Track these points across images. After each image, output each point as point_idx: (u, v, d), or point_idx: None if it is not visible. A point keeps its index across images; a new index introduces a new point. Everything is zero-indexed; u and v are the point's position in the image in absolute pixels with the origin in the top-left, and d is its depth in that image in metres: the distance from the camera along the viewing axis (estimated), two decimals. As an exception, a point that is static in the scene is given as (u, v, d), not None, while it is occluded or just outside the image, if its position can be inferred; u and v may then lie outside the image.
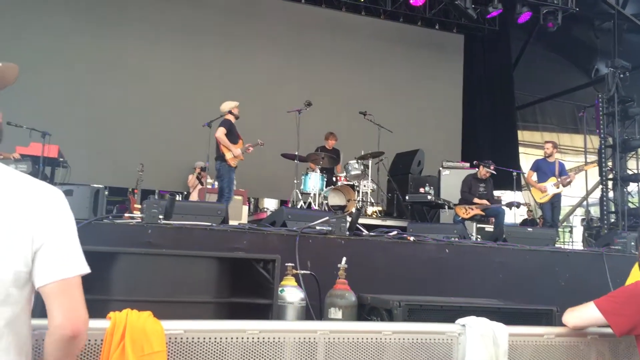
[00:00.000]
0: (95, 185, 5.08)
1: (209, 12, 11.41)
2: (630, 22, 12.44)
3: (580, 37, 14.89)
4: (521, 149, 15.05)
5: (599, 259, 5.03)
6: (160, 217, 4.20)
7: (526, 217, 14.84)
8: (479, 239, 7.58)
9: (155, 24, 11.02)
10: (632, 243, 5.16)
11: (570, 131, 17.64)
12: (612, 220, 11.54)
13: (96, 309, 2.73)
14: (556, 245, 6.21)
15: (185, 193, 10.43)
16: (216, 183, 8.74)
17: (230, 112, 7.49)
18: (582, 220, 15.25)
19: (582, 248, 6.01)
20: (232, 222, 6.25)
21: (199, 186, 9.98)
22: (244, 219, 8.06)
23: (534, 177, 8.33)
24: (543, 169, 8.20)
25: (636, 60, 12.20)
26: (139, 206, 8.37)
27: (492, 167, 8.00)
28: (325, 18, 12.24)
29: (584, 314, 2.16)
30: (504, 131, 13.47)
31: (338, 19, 12.35)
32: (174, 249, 3.80)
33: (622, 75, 11.50)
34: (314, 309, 3.60)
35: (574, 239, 15.58)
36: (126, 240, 3.95)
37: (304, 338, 1.82)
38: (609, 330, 2.17)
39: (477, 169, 8.25)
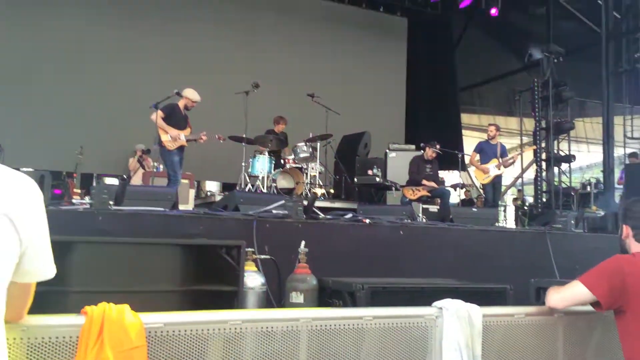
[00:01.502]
0: (38, 170, 4.82)
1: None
2: (562, 8, 12.94)
3: (516, 23, 15.38)
4: (461, 131, 15.48)
5: (542, 237, 5.25)
6: (111, 202, 4.04)
7: (464, 197, 15.35)
8: (424, 220, 7.77)
9: (94, 2, 10.49)
10: (572, 222, 5.41)
11: (505, 114, 18.28)
12: (545, 199, 12.12)
13: (52, 300, 2.60)
14: (498, 225, 6.45)
15: (126, 177, 10.08)
16: (161, 167, 8.52)
17: (184, 98, 7.28)
18: (514, 199, 15.91)
19: (526, 228, 6.27)
20: (180, 207, 6.12)
21: (141, 170, 9.67)
22: (191, 204, 7.88)
23: (477, 158, 8.59)
24: (486, 150, 8.47)
25: (568, 45, 12.73)
26: (79, 191, 8.04)
27: (437, 147, 8.20)
28: (270, -1, 12.06)
29: (572, 293, 2.19)
30: (447, 114, 13.81)
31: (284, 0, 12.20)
32: (126, 236, 3.68)
33: (556, 60, 11.97)
34: (273, 294, 3.58)
35: (507, 218, 16.25)
36: (75, 228, 3.76)
37: (287, 327, 1.79)
38: (574, 308, 2.26)
39: (423, 151, 8.43)
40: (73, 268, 2.70)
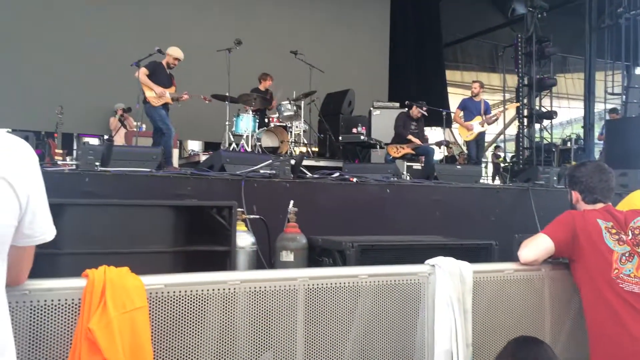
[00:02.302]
0: (17, 130, 4.72)
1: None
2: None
3: (499, -24, 15.20)
4: (444, 88, 15.45)
5: (525, 194, 5.35)
6: (97, 163, 4.00)
7: (447, 154, 15.48)
8: (409, 178, 7.84)
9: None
10: (554, 178, 5.51)
11: (488, 70, 18.26)
12: (527, 155, 12.28)
13: (46, 262, 2.60)
14: (485, 182, 6.54)
15: (107, 137, 9.95)
16: (144, 126, 8.41)
17: (167, 56, 7.17)
18: (493, 155, 16.08)
19: (510, 184, 6.36)
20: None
21: (122, 129, 9.54)
22: (175, 163, 7.82)
23: (460, 115, 8.62)
24: (469, 108, 8.50)
25: (552, 0, 12.64)
26: (61, 151, 7.93)
27: (424, 109, 8.21)
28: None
29: (536, 244, 2.34)
30: (432, 70, 13.73)
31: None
32: (115, 197, 3.67)
33: (540, 15, 11.92)
34: (264, 253, 3.62)
35: (488, 174, 16.49)
36: (62, 189, 3.74)
37: (285, 286, 1.83)
38: (559, 262, 2.37)
39: (408, 109, 8.42)
40: (64, 231, 2.67)
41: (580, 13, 12.10)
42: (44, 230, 1.39)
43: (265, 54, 10.40)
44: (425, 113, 8.22)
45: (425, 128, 8.71)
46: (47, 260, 2.56)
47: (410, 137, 8.10)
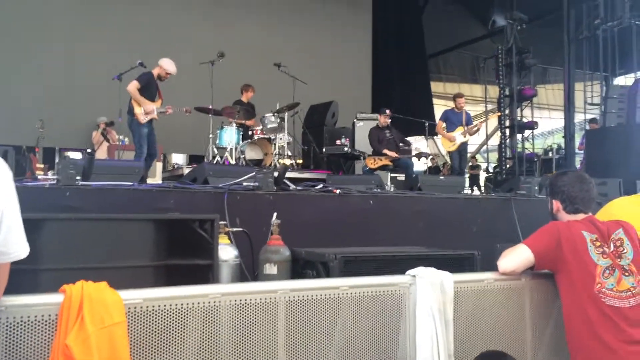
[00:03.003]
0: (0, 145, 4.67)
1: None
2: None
3: (480, -11, 15.42)
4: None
5: (507, 204, 5.39)
6: (78, 177, 3.96)
7: (430, 164, 15.56)
8: (393, 189, 7.87)
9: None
10: (536, 187, 5.56)
11: (469, 81, 18.46)
12: (509, 165, 12.40)
13: (25, 279, 2.57)
14: (466, 192, 6.58)
15: (90, 150, 9.86)
16: (126, 139, 8.35)
17: (159, 67, 7.08)
18: (470, 166, 16.18)
19: (492, 194, 6.41)
20: (149, 181, 6.04)
21: (105, 143, 9.47)
22: (159, 177, 7.78)
23: (443, 126, 8.70)
24: (451, 119, 8.58)
25: (532, 12, 12.85)
26: (42, 166, 7.84)
27: (388, 112, 8.29)
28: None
29: (516, 254, 2.34)
30: (416, 82, 13.84)
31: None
32: (96, 212, 3.63)
33: (519, 27, 12.11)
34: (247, 266, 3.60)
35: (479, 182, 16.55)
36: (42, 204, 3.69)
37: (266, 298, 1.82)
38: (539, 272, 2.38)
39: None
40: (44, 246, 2.66)
41: (559, 25, 12.30)
42: (18, 247, 1.38)
43: (248, 67, 10.43)
44: (389, 117, 8.29)
45: (408, 137, 8.77)
46: (27, 277, 2.54)
47: (385, 151, 8.14)
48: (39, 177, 5.22)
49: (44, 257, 2.65)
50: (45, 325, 1.56)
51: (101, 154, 9.10)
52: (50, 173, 6.75)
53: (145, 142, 6.92)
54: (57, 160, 10.06)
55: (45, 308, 1.57)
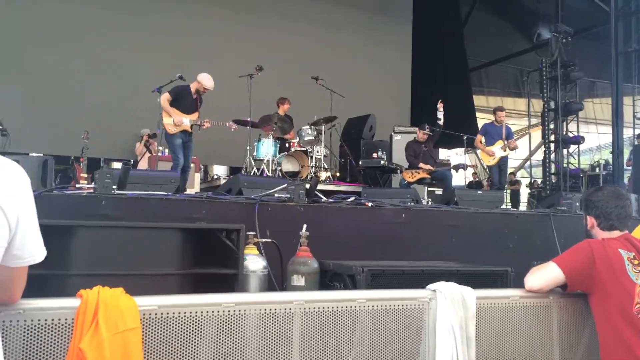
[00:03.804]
0: (41, 155, 4.84)
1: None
2: (571, -13, 12.76)
3: (523, 2, 15.17)
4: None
5: (546, 220, 5.23)
6: (114, 187, 4.07)
7: (472, 179, 15.31)
8: (430, 203, 7.76)
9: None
10: (577, 204, 5.38)
11: (513, 95, 18.15)
12: (554, 181, 12.06)
13: (56, 284, 2.65)
14: (504, 207, 6.43)
15: (133, 161, 10.14)
16: (166, 151, 8.54)
17: (196, 82, 7.24)
18: (511, 182, 15.80)
19: (528, 210, 6.25)
20: (187, 191, 6.15)
21: (147, 154, 9.71)
22: (197, 187, 7.92)
23: (482, 140, 8.55)
24: (491, 132, 8.43)
25: (577, 24, 12.56)
26: (86, 175, 8.10)
27: (427, 128, 8.18)
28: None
29: (545, 272, 2.25)
30: (458, 95, 13.67)
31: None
32: (130, 220, 3.71)
33: (564, 40, 11.84)
34: (276, 277, 3.61)
35: (519, 198, 16.18)
36: (79, 212, 3.80)
37: (280, 309, 1.81)
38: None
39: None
40: (74, 252, 2.73)
41: (606, 38, 11.97)
42: (33, 252, 1.41)
43: (286, 80, 10.54)
44: (429, 133, 8.18)
45: (447, 149, 8.65)
46: (58, 282, 2.61)
47: (421, 165, 8.04)
48: (80, 186, 5.38)
49: (75, 263, 2.72)
50: (62, 328, 1.60)
51: (143, 164, 9.33)
52: (93, 182, 6.95)
53: (180, 153, 7.07)
54: (100, 170, 10.40)
55: (62, 312, 1.60)
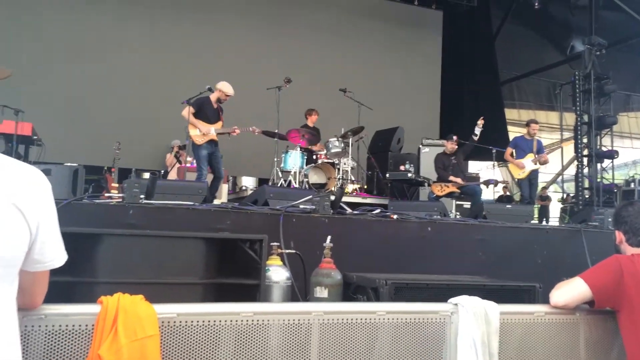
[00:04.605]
0: (72, 165, 4.95)
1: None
2: (606, -1, 12.53)
3: (556, 15, 14.96)
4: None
5: (577, 235, 5.11)
6: (142, 196, 4.13)
7: (502, 193, 15.05)
8: (458, 216, 7.66)
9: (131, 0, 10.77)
10: (609, 219, 5.24)
11: (545, 108, 17.85)
12: (587, 196, 11.78)
13: (82, 291, 2.69)
14: (533, 222, 6.30)
15: (163, 172, 10.30)
16: (194, 161, 8.66)
17: (217, 91, 7.39)
18: (541, 197, 15.47)
19: (560, 225, 6.11)
20: (215, 202, 6.21)
21: (177, 165, 9.85)
22: (224, 198, 7.99)
23: (512, 153, 8.44)
24: (521, 146, 8.31)
25: (611, 37, 12.32)
26: (117, 185, 8.25)
27: (455, 139, 8.10)
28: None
29: (571, 288, 2.20)
30: (489, 108, 13.51)
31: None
32: (156, 229, 3.76)
33: (598, 53, 11.61)
34: (299, 288, 3.60)
35: (548, 213, 15.87)
36: (107, 221, 3.88)
37: (299, 320, 1.80)
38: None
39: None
40: (100, 260, 2.78)
41: (642, 50, 11.73)
42: (54, 256, 1.43)
43: (314, 92, 10.59)
44: (456, 144, 8.10)
45: (477, 161, 8.55)
46: (85, 289, 2.66)
47: (452, 178, 7.95)
48: (110, 195, 5.50)
49: (101, 270, 2.76)
50: (82, 334, 1.62)
51: (173, 175, 9.48)
52: (122, 192, 7.10)
53: (205, 164, 7.21)
54: (131, 180, 10.59)
55: (83, 318, 1.62)
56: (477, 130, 7.97)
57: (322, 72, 11.48)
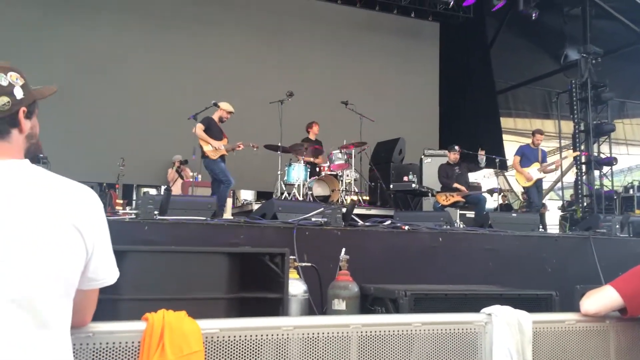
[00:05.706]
0: (84, 182, 4.95)
1: (188, 1, 11.26)
2: (598, 7, 12.67)
3: (550, 24, 15.11)
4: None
5: (586, 243, 5.14)
6: (156, 212, 4.15)
7: (501, 202, 15.10)
8: (462, 226, 7.70)
9: (132, 15, 10.87)
10: (617, 226, 5.28)
11: (541, 117, 17.95)
12: (586, 203, 11.85)
13: (106, 308, 2.69)
14: (542, 230, 6.34)
15: (166, 187, 10.30)
16: (199, 176, 8.69)
17: (220, 110, 7.54)
18: (561, 206, 15.51)
19: (569, 233, 6.15)
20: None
21: (179, 180, 9.87)
22: (229, 212, 8.00)
23: (519, 162, 8.52)
24: (527, 154, 8.43)
25: (604, 45, 12.45)
26: (121, 201, 8.26)
27: (457, 149, 8.19)
28: (302, 7, 12.19)
29: (601, 296, 2.19)
30: (485, 118, 13.65)
31: (315, 7, 12.33)
32: (171, 245, 3.77)
33: (594, 61, 11.74)
34: (315, 302, 3.61)
35: (545, 222, 15.90)
36: (122, 237, 3.88)
37: (338, 332, 1.82)
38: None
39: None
40: (124, 276, 2.77)
41: (636, 58, 11.84)
42: (106, 275, 1.46)
43: (316, 105, 10.66)
44: (458, 153, 8.18)
45: (476, 172, 8.64)
46: (109, 305, 2.66)
47: (456, 185, 8.02)
48: (120, 211, 5.50)
49: (125, 287, 2.76)
50: (129, 351, 1.63)
51: (176, 190, 9.48)
52: (128, 208, 7.12)
53: (228, 173, 7.38)
54: (134, 196, 10.60)
55: (129, 335, 1.64)
56: (482, 161, 8.12)
57: (323, 85, 11.56)
